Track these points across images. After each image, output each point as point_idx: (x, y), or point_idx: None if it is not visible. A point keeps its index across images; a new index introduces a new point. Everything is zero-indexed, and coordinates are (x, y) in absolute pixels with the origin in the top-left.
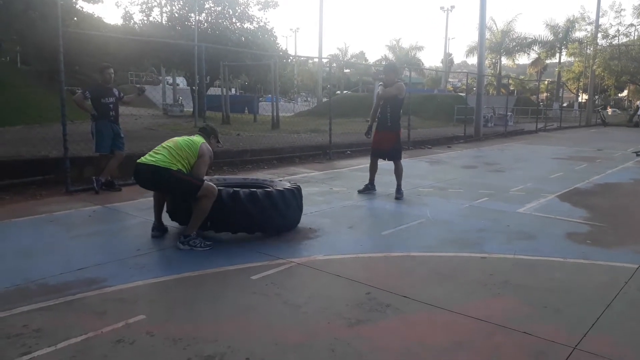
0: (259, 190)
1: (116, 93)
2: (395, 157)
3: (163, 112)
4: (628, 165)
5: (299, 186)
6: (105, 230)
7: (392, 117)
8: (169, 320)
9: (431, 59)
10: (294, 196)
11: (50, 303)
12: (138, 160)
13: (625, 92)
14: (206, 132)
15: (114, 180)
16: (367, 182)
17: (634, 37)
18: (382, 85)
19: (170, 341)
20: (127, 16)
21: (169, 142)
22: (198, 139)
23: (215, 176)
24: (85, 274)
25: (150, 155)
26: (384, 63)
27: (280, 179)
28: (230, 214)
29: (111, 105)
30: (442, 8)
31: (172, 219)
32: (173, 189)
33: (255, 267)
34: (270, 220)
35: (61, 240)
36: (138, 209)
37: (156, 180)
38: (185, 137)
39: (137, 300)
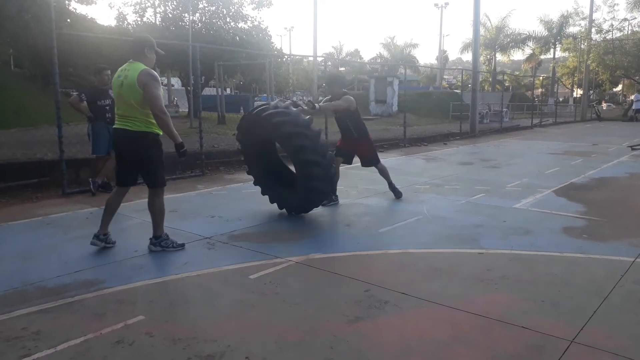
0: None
1: (112, 95)
2: (374, 162)
3: None
4: (623, 159)
5: None
6: None
7: (356, 128)
8: (168, 320)
9: (426, 56)
10: None
11: (48, 305)
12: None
13: (619, 87)
14: (137, 49)
15: (110, 182)
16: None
17: (627, 31)
18: (329, 99)
19: (169, 341)
20: (121, 17)
21: (123, 107)
22: (132, 73)
23: None
24: (83, 276)
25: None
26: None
27: None
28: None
29: (107, 107)
30: (436, 5)
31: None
32: (141, 165)
33: (253, 266)
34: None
35: (58, 242)
36: (135, 210)
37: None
38: (125, 87)
39: (136, 301)
